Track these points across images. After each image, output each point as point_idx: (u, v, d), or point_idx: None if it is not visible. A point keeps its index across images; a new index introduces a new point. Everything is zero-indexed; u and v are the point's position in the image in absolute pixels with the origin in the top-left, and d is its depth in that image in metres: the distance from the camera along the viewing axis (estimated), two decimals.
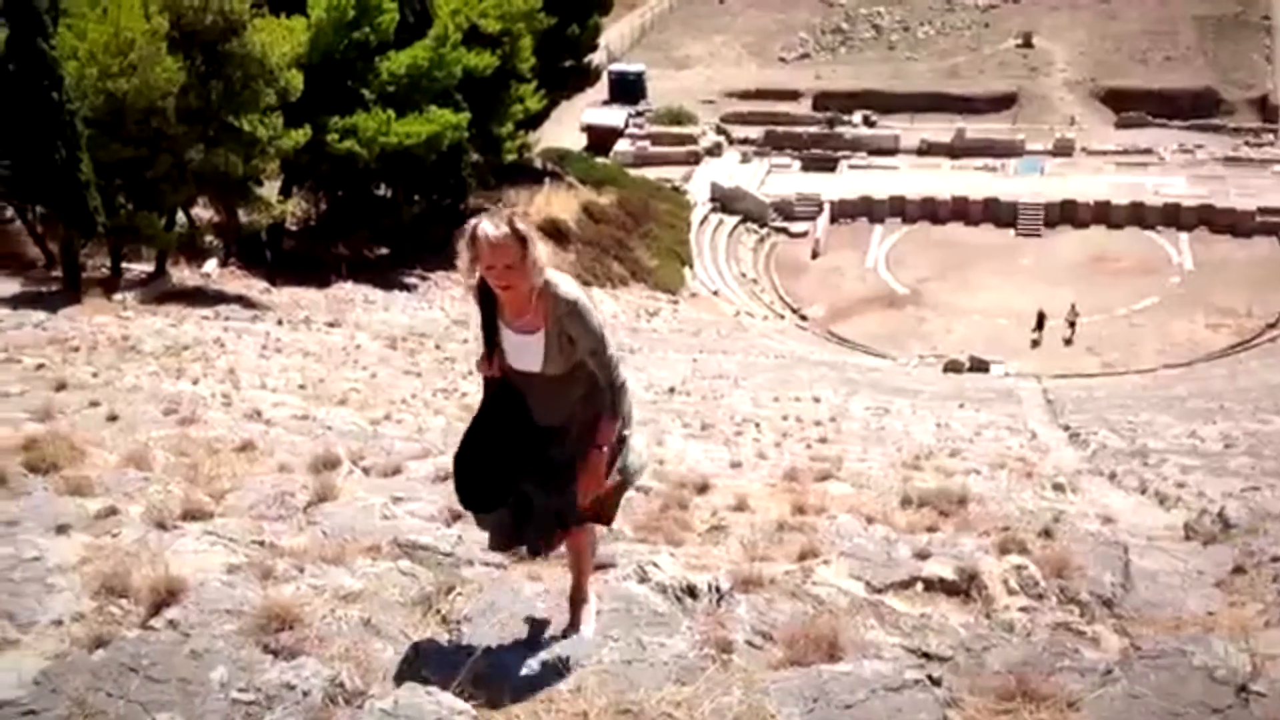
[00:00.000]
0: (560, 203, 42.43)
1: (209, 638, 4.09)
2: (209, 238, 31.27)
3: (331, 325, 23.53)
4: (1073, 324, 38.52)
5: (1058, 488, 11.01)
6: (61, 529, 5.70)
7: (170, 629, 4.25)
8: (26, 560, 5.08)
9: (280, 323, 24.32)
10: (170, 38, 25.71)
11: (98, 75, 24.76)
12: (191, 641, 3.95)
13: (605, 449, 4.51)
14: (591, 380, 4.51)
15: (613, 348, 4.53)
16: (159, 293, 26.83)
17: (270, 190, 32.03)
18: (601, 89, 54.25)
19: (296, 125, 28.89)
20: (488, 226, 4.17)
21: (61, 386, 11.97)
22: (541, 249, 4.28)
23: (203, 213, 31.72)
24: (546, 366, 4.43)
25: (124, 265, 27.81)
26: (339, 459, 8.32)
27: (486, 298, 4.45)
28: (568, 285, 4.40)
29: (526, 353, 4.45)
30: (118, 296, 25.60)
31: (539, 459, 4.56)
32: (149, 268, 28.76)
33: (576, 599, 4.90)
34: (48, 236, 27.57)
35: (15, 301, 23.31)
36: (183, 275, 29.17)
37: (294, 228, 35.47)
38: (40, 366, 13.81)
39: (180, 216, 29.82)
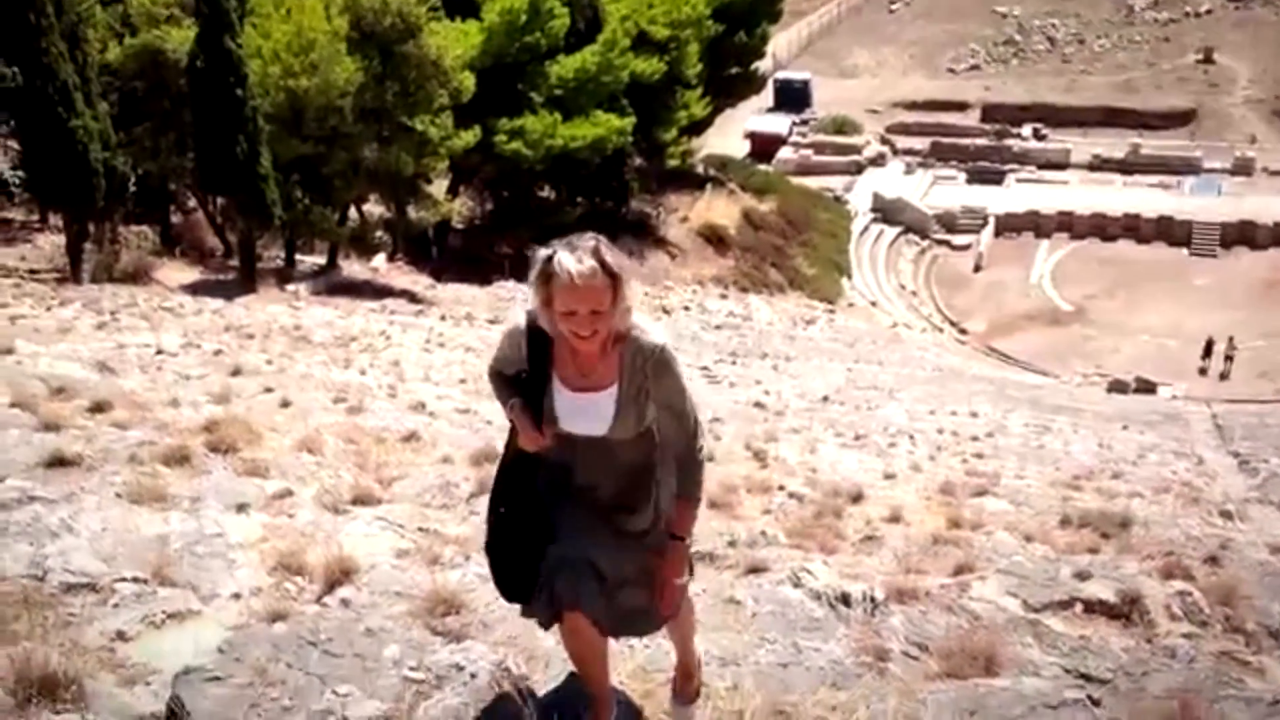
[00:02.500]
0: (721, 209, 42.49)
1: (381, 617, 4.26)
2: (378, 233, 32.16)
3: (492, 322, 23.94)
4: (1230, 357, 36.95)
5: (1225, 515, 10.65)
6: (241, 508, 5.98)
7: (344, 607, 4.44)
8: (209, 536, 5.33)
9: (443, 318, 24.87)
10: (350, 38, 26.57)
11: (280, 73, 25.70)
12: (365, 620, 4.12)
13: (686, 540, 3.72)
14: (650, 446, 3.68)
15: (697, 410, 3.73)
16: (329, 284, 27.72)
17: (438, 189, 32.82)
18: (766, 96, 54.11)
19: (466, 126, 29.54)
20: (569, 260, 3.30)
21: (237, 372, 12.44)
22: (635, 286, 3.49)
23: (373, 209, 32.62)
24: (614, 430, 3.59)
25: (297, 257, 28.81)
26: (498, 454, 8.49)
27: (538, 346, 3.58)
28: (654, 329, 3.58)
29: (587, 414, 3.59)
30: (290, 287, 26.50)
31: (581, 520, 3.69)
32: (321, 260, 29.75)
33: (685, 667, 4.06)
34: (227, 227, 28.70)
35: (195, 289, 24.32)
36: (352, 269, 30.08)
37: (459, 226, 36.22)
38: (218, 352, 14.37)
39: (352, 212, 30.75)
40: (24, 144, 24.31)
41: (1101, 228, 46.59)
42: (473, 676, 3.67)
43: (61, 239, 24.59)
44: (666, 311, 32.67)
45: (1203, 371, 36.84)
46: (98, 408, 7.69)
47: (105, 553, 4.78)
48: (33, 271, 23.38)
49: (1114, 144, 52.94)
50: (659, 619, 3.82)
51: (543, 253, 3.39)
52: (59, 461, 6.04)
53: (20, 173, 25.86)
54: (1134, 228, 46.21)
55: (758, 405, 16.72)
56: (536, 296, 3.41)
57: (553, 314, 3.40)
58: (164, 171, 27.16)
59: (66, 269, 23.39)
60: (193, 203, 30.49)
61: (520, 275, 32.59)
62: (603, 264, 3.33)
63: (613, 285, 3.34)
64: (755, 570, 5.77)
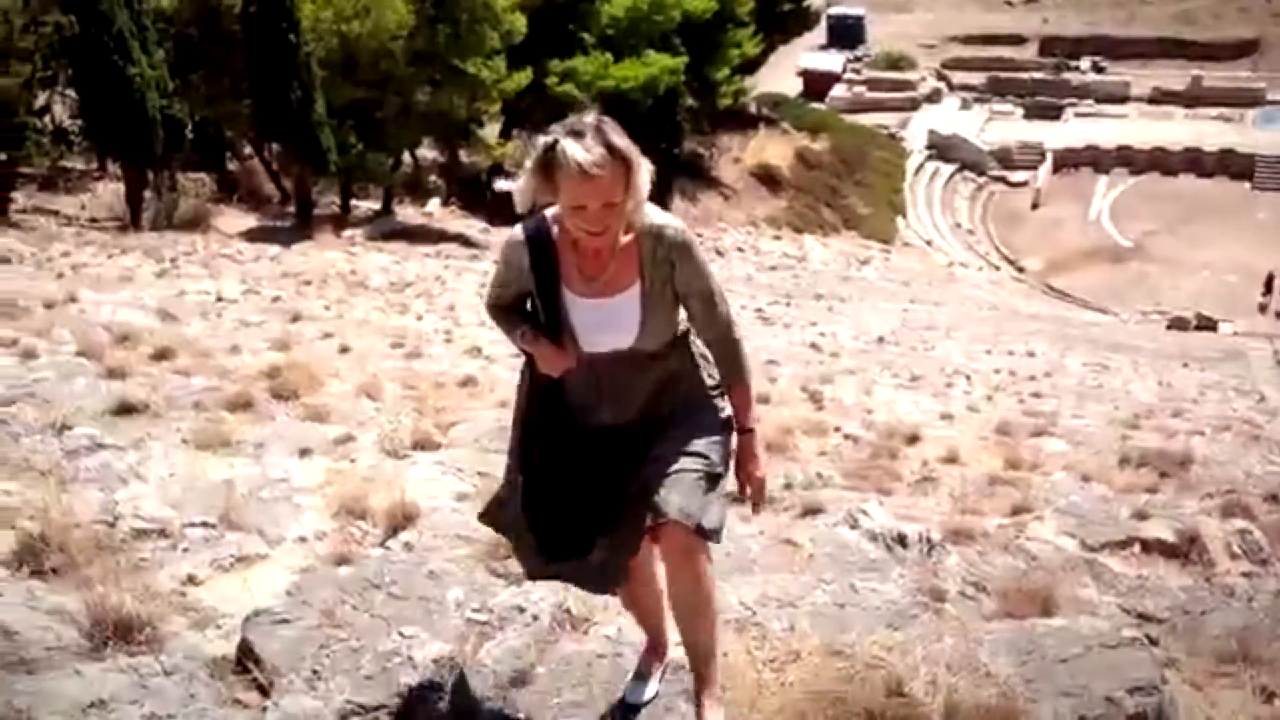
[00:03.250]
0: (774, 149, 42.22)
1: (443, 560, 4.32)
2: (432, 178, 32.26)
3: None
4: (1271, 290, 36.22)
5: None
6: (304, 453, 6.08)
7: (407, 551, 4.51)
8: (274, 481, 5.43)
9: (497, 262, 24.98)
10: None
11: (332, 18, 25.75)
12: (427, 563, 4.18)
13: (756, 428, 3.36)
14: (683, 351, 3.33)
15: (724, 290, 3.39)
16: (385, 230, 27.87)
17: (490, 132, 32.81)
18: (820, 33, 53.52)
19: (518, 68, 29.47)
20: (576, 149, 2.93)
21: (296, 318, 12.59)
22: (647, 171, 3.06)
23: (426, 153, 32.70)
24: (644, 338, 3.21)
25: (353, 203, 28.96)
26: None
27: (540, 256, 3.21)
28: (670, 219, 3.22)
29: (611, 323, 3.21)
30: (346, 233, 26.70)
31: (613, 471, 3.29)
32: (376, 205, 29.89)
33: (703, 679, 3.34)
34: (282, 174, 28.91)
35: (252, 235, 24.54)
36: (407, 214, 30.21)
37: (512, 169, 36.22)
38: (276, 299, 14.55)
39: (405, 157, 30.85)
40: (81, 93, 24.55)
41: (1162, 162, 45.88)
42: (534, 618, 3.72)
43: (121, 187, 24.87)
44: (720, 253, 32.60)
45: (1262, 308, 36.29)
46: (161, 355, 7.82)
47: (173, 498, 4.88)
48: (93, 220, 23.70)
49: (1175, 76, 51.98)
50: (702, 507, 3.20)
51: (543, 140, 3.00)
52: (125, 409, 6.16)
53: (79, 121, 26.12)
54: (1195, 162, 45.48)
55: (813, 347, 16.70)
56: (536, 190, 3.03)
57: (561, 207, 3.06)
58: (220, 118, 27.36)
59: (126, 217, 23.69)
60: (249, 150, 30.70)
61: None
62: (612, 149, 2.96)
63: (626, 172, 2.98)
64: (812, 512, 5.79)
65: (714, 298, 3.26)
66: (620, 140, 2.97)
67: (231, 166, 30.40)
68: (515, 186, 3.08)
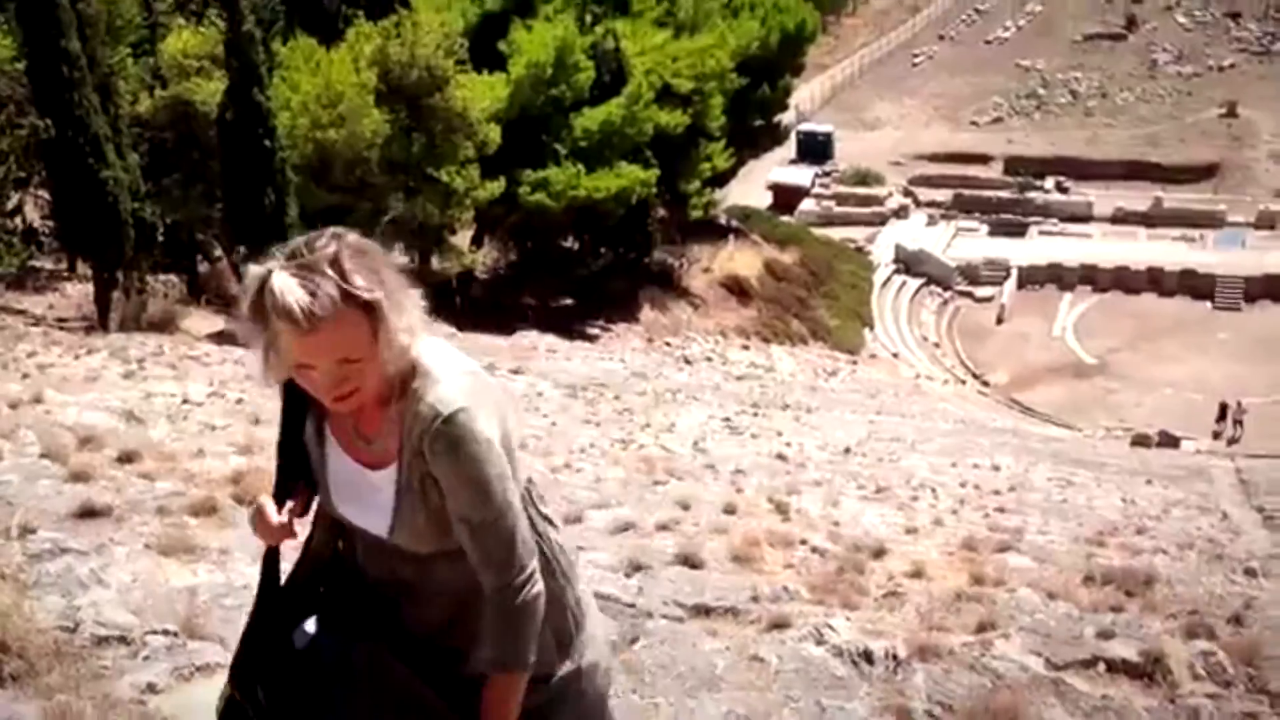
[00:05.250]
0: (743, 260, 42.66)
1: None
2: None
3: (515, 372, 24.03)
4: (1239, 422, 36.46)
5: (1249, 573, 10.61)
6: None
7: None
8: (237, 588, 5.38)
9: None
10: (378, 91, 26.98)
11: (309, 125, 26.08)
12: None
13: None
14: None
15: (519, 518, 2.39)
16: None
17: (462, 239, 33.10)
18: (789, 148, 54.42)
19: (491, 177, 29.86)
20: (292, 289, 2.15)
21: (258, 421, 12.54)
22: (411, 299, 2.32)
23: (398, 258, 32.76)
24: (397, 533, 2.39)
25: None
26: None
27: (294, 390, 2.39)
28: (448, 376, 2.34)
29: (364, 498, 2.42)
30: None
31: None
32: None
33: None
34: None
35: (220, 338, 24.51)
36: None
37: (483, 275, 36.47)
38: (239, 401, 14.49)
39: None
40: (55, 194, 24.62)
41: (1125, 281, 46.56)
42: None
43: (89, 288, 24.84)
44: (689, 361, 32.74)
45: (1216, 435, 36.54)
46: (126, 458, 7.77)
47: (135, 605, 4.83)
48: (61, 320, 23.62)
49: (1137, 197, 52.99)
50: None
51: (254, 272, 2.24)
52: (89, 513, 6.11)
53: (50, 222, 26.18)
54: (1157, 281, 46.18)
55: (779, 457, 16.73)
56: (255, 338, 2.25)
57: (282, 364, 2.26)
58: (192, 221, 27.48)
59: (94, 317, 23.62)
60: (219, 252, 30.80)
61: (546, 324, 32.75)
62: (347, 291, 2.17)
63: (367, 316, 2.19)
64: (778, 626, 5.78)
65: (485, 531, 2.32)
66: (361, 274, 2.19)
67: (201, 269, 30.46)
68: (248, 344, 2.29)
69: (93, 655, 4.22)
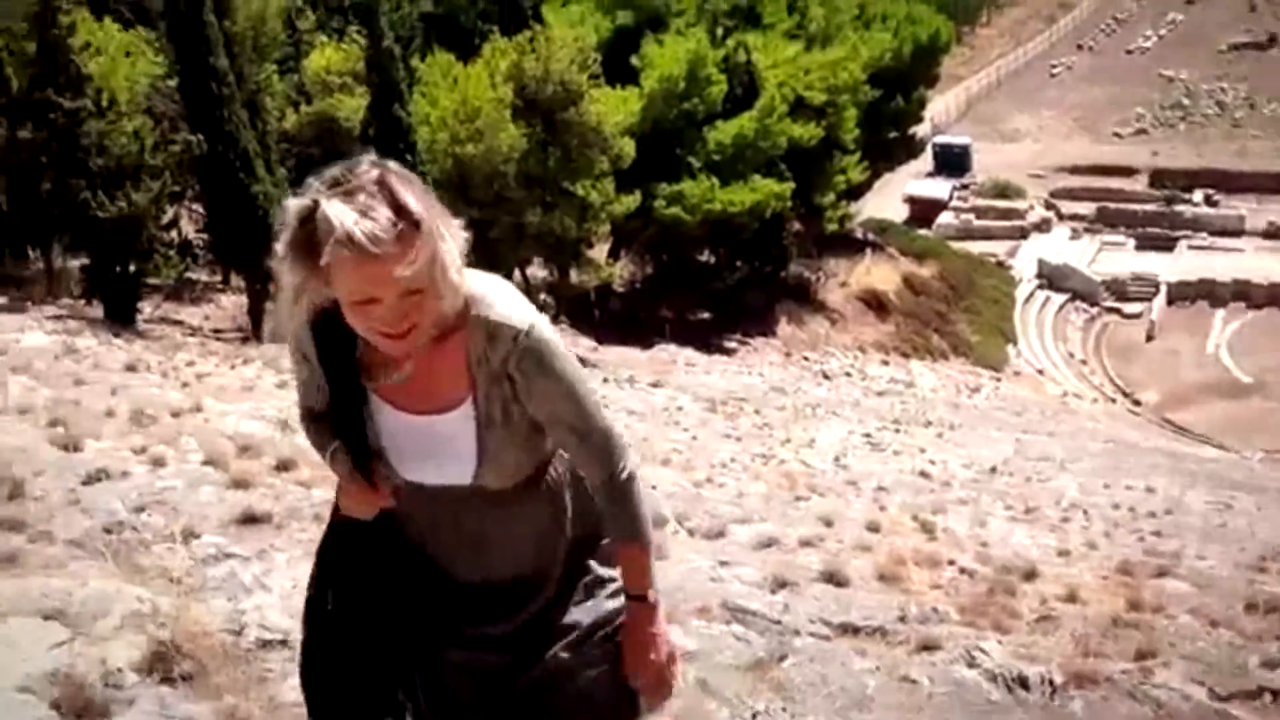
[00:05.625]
0: (881, 274, 42.25)
1: None
2: (542, 296, 32.75)
3: (654, 385, 24.15)
4: None
5: None
6: None
7: None
8: None
9: (606, 380, 25.15)
10: (514, 106, 27.37)
11: (447, 140, 26.58)
12: None
13: (651, 595, 2.45)
14: (557, 488, 2.44)
15: (604, 411, 2.42)
16: None
17: (599, 252, 33.37)
18: (926, 161, 53.77)
19: (626, 191, 30.08)
20: (346, 215, 1.99)
21: None
22: (455, 227, 2.17)
23: (537, 272, 33.27)
24: (486, 475, 2.30)
25: None
26: (665, 518, 8.55)
27: (333, 336, 2.24)
28: (507, 298, 2.26)
29: (436, 450, 2.29)
30: None
31: (466, 649, 2.46)
32: None
33: None
34: None
35: None
36: None
37: (620, 289, 36.70)
38: None
39: (516, 275, 31.41)
40: (208, 208, 25.46)
41: None
42: None
43: (243, 299, 25.61)
44: (827, 376, 32.49)
45: None
46: (283, 466, 7.96)
47: (296, 610, 4.92)
48: (216, 330, 24.40)
49: None
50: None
51: (294, 204, 2.07)
52: (250, 519, 6.27)
53: (204, 235, 27.07)
54: None
55: (923, 475, 16.49)
56: (296, 277, 2.08)
57: (338, 299, 2.10)
58: None
59: (248, 328, 24.35)
60: None
61: (683, 338, 32.77)
62: (399, 208, 2.03)
63: (425, 242, 2.05)
64: (928, 647, 5.68)
65: (584, 427, 2.32)
66: (414, 197, 2.06)
67: None
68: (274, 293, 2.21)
69: (257, 658, 4.32)
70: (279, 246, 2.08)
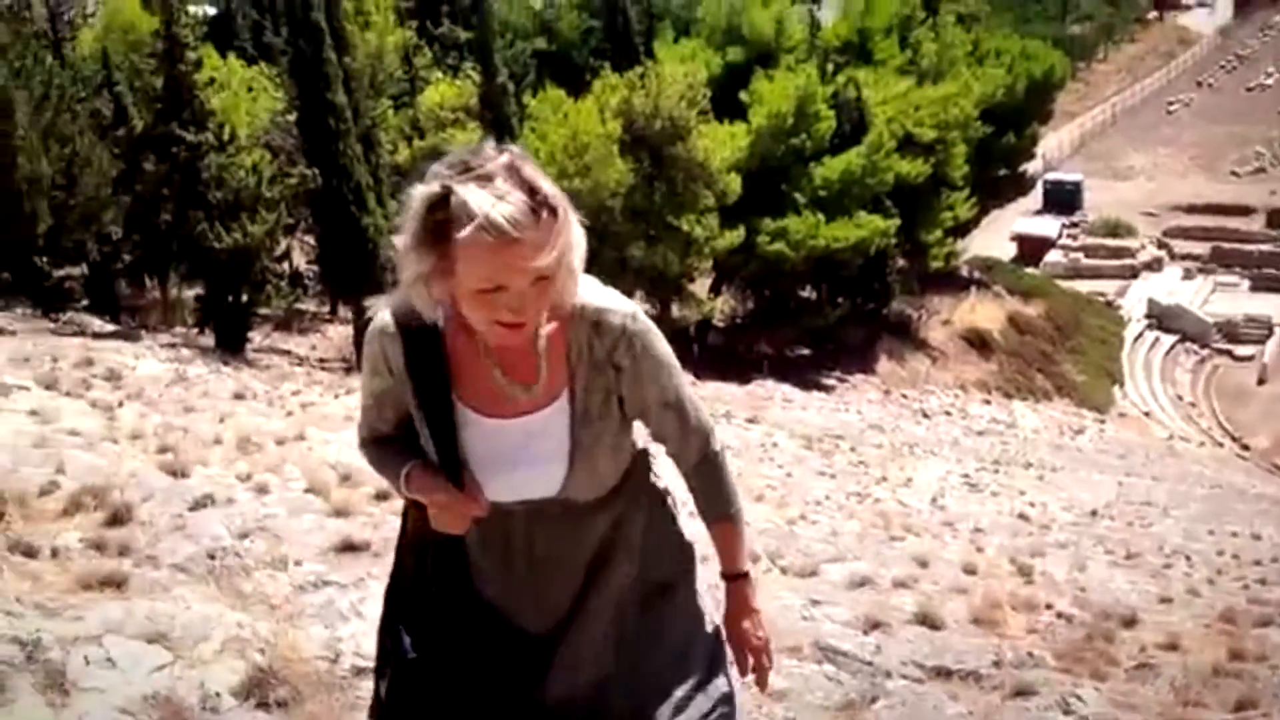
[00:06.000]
0: (985, 312, 41.71)
1: None
2: None
3: (750, 421, 24.09)
4: None
5: None
6: None
7: None
8: None
9: None
10: (621, 141, 27.58)
11: (556, 174, 26.60)
12: None
13: (751, 571, 2.56)
14: (637, 493, 2.43)
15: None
16: None
17: (701, 287, 33.42)
18: (1035, 198, 53.04)
19: (731, 226, 30.11)
20: (484, 199, 1.95)
21: None
22: (575, 223, 2.08)
23: (640, 306, 33.41)
24: (574, 482, 2.28)
25: None
26: (758, 555, 8.54)
27: (423, 346, 2.20)
28: (603, 290, 2.27)
29: (523, 457, 2.25)
30: None
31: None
32: None
33: None
34: None
35: None
36: None
37: (720, 324, 36.70)
38: None
39: None
40: (320, 239, 26.05)
41: None
42: None
43: (349, 330, 26.11)
44: (927, 415, 32.14)
45: None
46: (381, 496, 8.11)
47: None
48: (322, 360, 24.89)
49: None
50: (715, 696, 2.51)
51: (422, 191, 2.00)
52: (348, 547, 6.41)
53: (315, 267, 27.68)
54: None
55: (1022, 517, 16.24)
56: (423, 265, 2.02)
57: (456, 295, 2.05)
58: None
59: (353, 359, 24.80)
60: None
61: (782, 374, 32.64)
62: (533, 191, 1.99)
63: (557, 229, 2.01)
64: (1022, 693, 5.61)
65: (685, 406, 2.34)
66: (546, 180, 2.02)
67: None
68: (393, 278, 2.12)
69: (351, 686, 4.42)
70: (403, 236, 2.03)
